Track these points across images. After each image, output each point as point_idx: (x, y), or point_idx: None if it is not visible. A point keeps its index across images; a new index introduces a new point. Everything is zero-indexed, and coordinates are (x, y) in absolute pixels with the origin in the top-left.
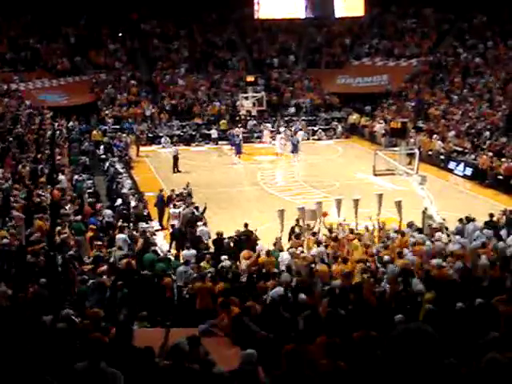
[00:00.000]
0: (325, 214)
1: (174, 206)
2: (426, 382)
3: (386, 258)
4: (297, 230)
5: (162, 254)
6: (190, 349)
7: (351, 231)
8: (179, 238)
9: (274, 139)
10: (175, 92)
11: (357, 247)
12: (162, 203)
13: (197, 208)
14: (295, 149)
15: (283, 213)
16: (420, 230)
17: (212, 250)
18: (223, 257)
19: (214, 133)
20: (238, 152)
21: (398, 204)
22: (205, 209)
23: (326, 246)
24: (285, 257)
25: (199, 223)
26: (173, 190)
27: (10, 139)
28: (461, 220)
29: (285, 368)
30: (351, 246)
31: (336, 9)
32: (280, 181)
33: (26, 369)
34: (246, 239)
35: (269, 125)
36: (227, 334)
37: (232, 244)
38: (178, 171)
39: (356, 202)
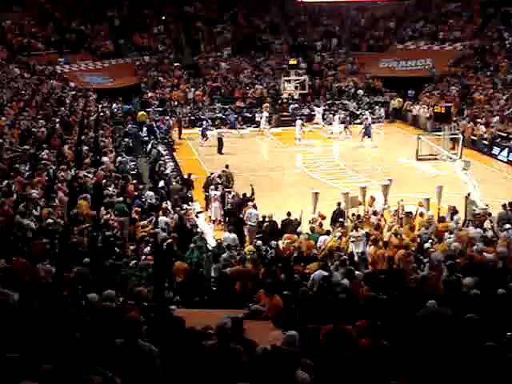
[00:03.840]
0: (372, 199)
1: (216, 189)
2: (461, 361)
3: (426, 245)
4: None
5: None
6: (233, 330)
7: (395, 213)
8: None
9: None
10: (218, 75)
11: (398, 232)
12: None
13: (244, 194)
14: (368, 131)
15: (317, 195)
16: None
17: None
18: (258, 242)
19: (258, 116)
20: (368, 135)
21: (439, 189)
22: (253, 190)
23: (368, 235)
24: (322, 240)
25: (250, 204)
26: (212, 173)
27: (55, 121)
28: (504, 206)
29: (324, 348)
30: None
31: None
32: (322, 165)
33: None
34: (288, 224)
35: (320, 108)
36: (268, 318)
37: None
38: (221, 153)
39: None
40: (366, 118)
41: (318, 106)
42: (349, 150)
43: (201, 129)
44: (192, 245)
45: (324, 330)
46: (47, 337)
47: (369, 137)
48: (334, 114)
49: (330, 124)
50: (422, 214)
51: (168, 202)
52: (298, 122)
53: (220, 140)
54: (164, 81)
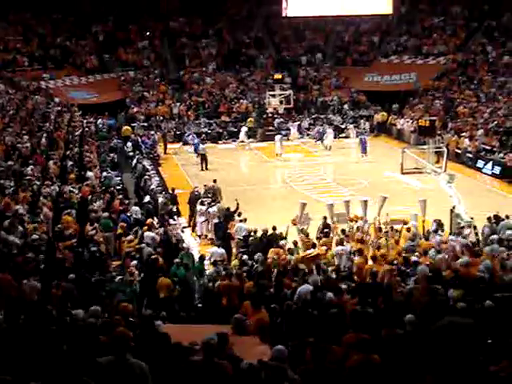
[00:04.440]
0: (355, 218)
1: (202, 203)
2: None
3: (414, 258)
4: (325, 225)
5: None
6: (219, 345)
7: (379, 229)
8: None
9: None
10: (203, 90)
11: (383, 246)
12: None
13: (228, 208)
14: (364, 147)
15: (305, 206)
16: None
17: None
18: (244, 256)
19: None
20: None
21: (423, 203)
22: (238, 205)
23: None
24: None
25: (236, 218)
26: (196, 187)
27: (41, 136)
28: (489, 219)
29: (311, 362)
30: (377, 244)
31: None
32: (307, 179)
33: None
34: (273, 239)
35: (296, 123)
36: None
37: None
38: (206, 169)
39: (365, 203)
40: (362, 133)
41: (294, 121)
42: (335, 164)
43: (192, 145)
44: (177, 260)
45: (310, 344)
46: (34, 354)
47: (364, 152)
48: (323, 131)
49: (320, 139)
50: (408, 229)
51: (154, 217)
52: (278, 137)
53: (203, 156)
54: (149, 96)
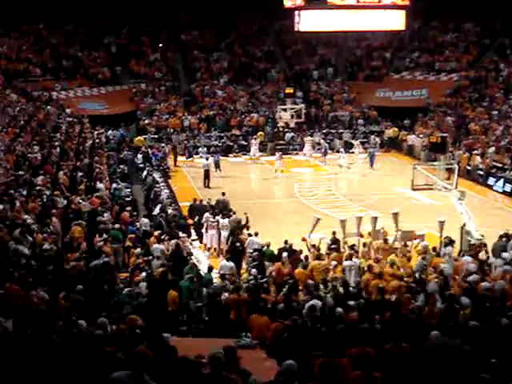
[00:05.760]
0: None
1: (213, 216)
2: None
3: (423, 276)
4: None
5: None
6: (226, 359)
7: (385, 240)
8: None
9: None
10: (214, 103)
11: (394, 262)
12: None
13: (239, 221)
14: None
15: (318, 221)
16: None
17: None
18: (253, 270)
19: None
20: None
21: (441, 223)
22: (247, 219)
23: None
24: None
25: (244, 232)
26: (209, 199)
27: (52, 145)
28: (501, 236)
29: (318, 380)
30: (387, 262)
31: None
32: (317, 193)
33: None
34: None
35: (310, 137)
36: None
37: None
38: (208, 186)
39: (374, 219)
40: (374, 147)
41: (312, 136)
42: (345, 179)
43: (213, 159)
44: (186, 276)
45: (319, 361)
46: (41, 364)
47: (371, 166)
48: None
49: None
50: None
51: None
52: (278, 154)
53: (207, 172)
54: (160, 108)
